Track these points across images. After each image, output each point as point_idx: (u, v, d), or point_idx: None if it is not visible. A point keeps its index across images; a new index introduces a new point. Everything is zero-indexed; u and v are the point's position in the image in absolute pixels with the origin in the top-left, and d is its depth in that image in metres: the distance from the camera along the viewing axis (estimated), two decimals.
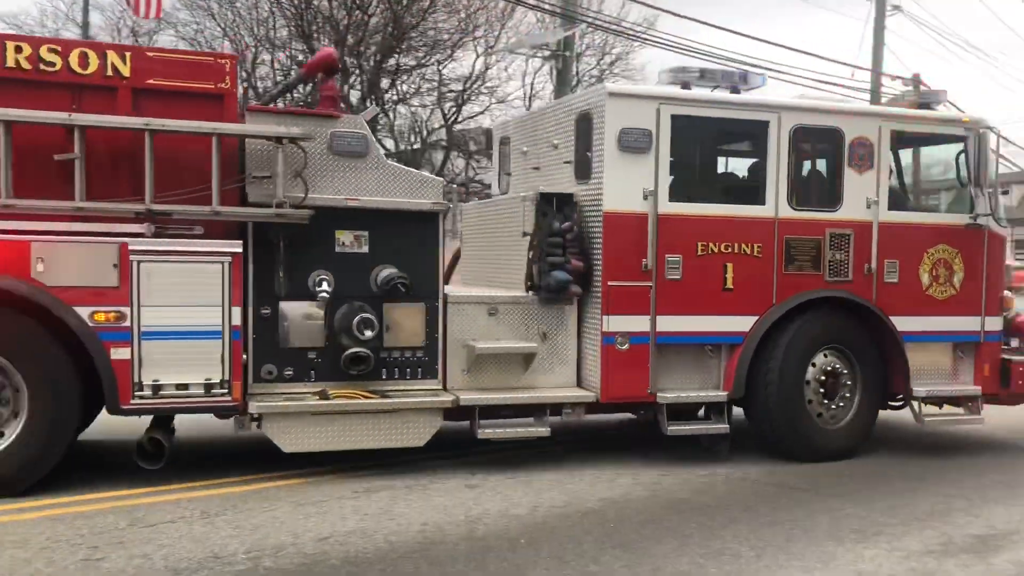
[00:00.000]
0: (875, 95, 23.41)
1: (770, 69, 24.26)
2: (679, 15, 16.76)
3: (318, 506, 5.61)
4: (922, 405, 7.50)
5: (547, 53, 17.78)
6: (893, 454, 7.75)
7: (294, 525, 5.23)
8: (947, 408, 7.76)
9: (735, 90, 7.19)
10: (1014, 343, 7.92)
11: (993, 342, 7.65)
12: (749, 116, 7.01)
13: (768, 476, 6.74)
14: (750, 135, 7.16)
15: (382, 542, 4.99)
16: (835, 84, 29.28)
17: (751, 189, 7.09)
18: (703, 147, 7.36)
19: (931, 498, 6.24)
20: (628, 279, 6.68)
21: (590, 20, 18.28)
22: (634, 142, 6.65)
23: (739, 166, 7.53)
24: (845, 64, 25.60)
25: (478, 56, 22.32)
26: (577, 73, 22.02)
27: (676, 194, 6.78)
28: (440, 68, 21.70)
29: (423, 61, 21.38)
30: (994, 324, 7.65)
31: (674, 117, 6.74)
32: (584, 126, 6.90)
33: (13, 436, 5.54)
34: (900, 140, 7.51)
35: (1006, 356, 7.70)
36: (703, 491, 6.26)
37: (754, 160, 7.21)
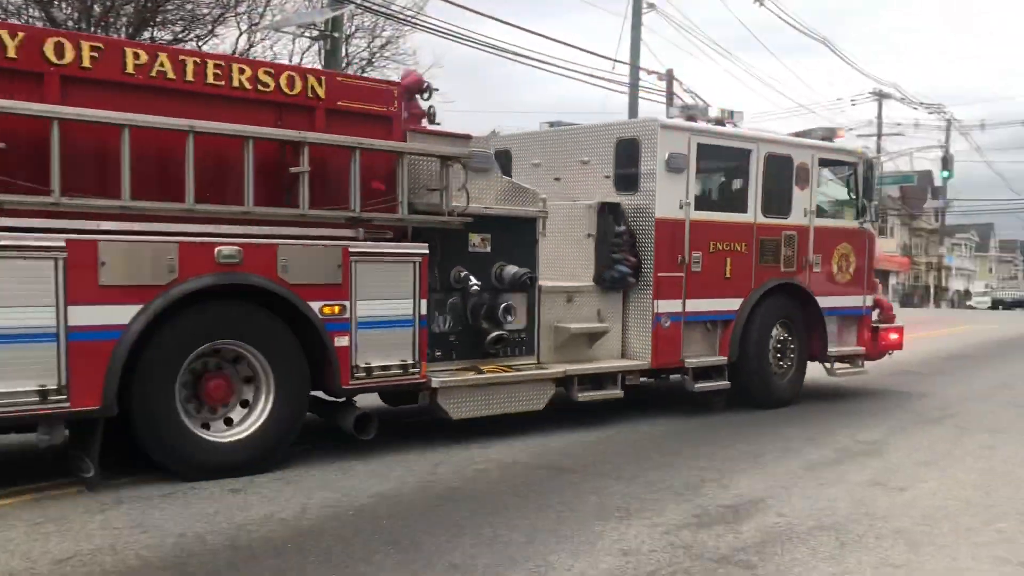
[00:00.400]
0: (634, 88, 24.71)
1: (539, 60, 24.87)
2: (448, 1, 16.76)
3: (59, 524, 5.07)
4: (834, 363, 10.14)
5: (315, 33, 17.21)
6: (653, 430, 8.20)
7: (29, 548, 4.68)
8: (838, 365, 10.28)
9: (720, 123, 9.12)
10: (875, 315, 10.58)
11: (868, 315, 10.42)
12: (740, 145, 9.12)
13: (539, 460, 6.90)
14: (741, 160, 9.16)
15: (133, 558, 4.57)
16: (598, 77, 30.47)
17: (741, 201, 9.15)
18: (713, 168, 9.31)
19: (687, 471, 6.63)
20: (671, 271, 8.53)
21: (359, 1, 17.90)
22: (676, 164, 8.43)
23: (735, 183, 9.45)
24: (607, 58, 26.88)
25: (241, 33, 21.25)
26: (347, 55, 21.53)
27: (699, 205, 8.73)
28: (200, 45, 20.43)
29: (181, 36, 20.01)
30: (869, 301, 10.41)
31: (699, 145, 8.65)
32: (628, 148, 8.57)
33: (265, 415, 6.24)
34: (822, 164, 9.98)
35: (874, 324, 10.46)
36: (477, 479, 6.28)
37: (742, 179, 9.23)
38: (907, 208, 68.43)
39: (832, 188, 11.40)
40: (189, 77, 5.96)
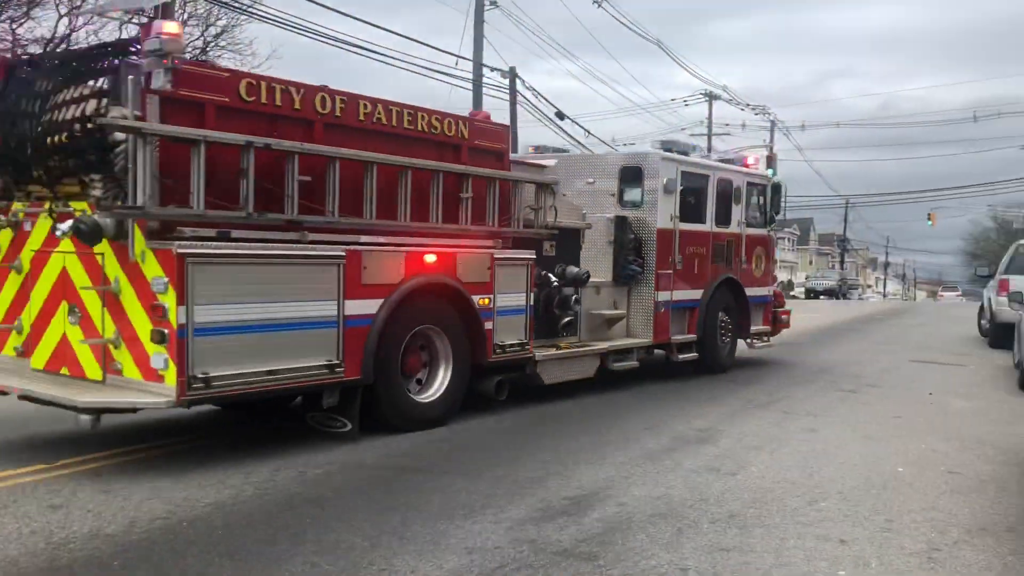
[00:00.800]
0: (478, 85, 24.82)
1: (381, 54, 24.50)
2: None
3: None
4: (752, 339, 13.15)
5: (144, 20, 16.26)
6: (500, 425, 8.25)
7: None
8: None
9: (684, 153, 11.59)
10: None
11: (771, 301, 13.47)
12: (703, 172, 11.77)
13: (384, 460, 6.79)
14: (703, 183, 11.74)
15: None
16: (443, 73, 30.47)
17: (702, 214, 11.75)
18: (688, 189, 11.47)
19: (532, 465, 6.70)
20: (665, 269, 11.02)
21: None
22: (670, 187, 11.03)
23: (698, 201, 11.78)
24: (451, 54, 26.94)
25: (61, 16, 19.82)
26: None
27: (681, 218, 11.25)
28: (14, 27, 18.90)
29: None
30: (771, 290, 13.45)
31: (682, 172, 11.28)
32: (632, 174, 11.11)
33: (445, 383, 8.09)
34: (748, 186, 12.71)
35: (773, 309, 13.54)
36: (319, 483, 6.11)
37: (702, 198, 11.73)
38: None
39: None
40: (394, 122, 7.60)
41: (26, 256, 6.99)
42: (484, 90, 26.52)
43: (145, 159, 5.88)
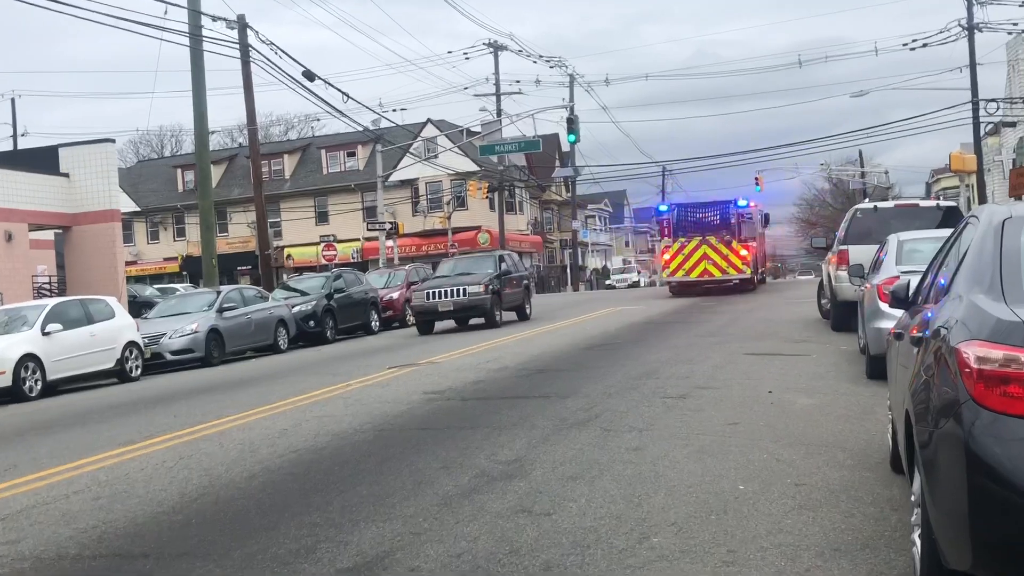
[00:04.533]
0: (195, 38, 23.96)
1: (70, 5, 23.19)
2: None
3: None
4: None
5: None
6: (250, 484, 7.96)
7: None
8: None
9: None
10: None
11: None
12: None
13: (97, 547, 6.35)
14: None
15: None
16: (149, 25, 29.12)
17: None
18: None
19: (296, 532, 6.49)
20: None
21: None
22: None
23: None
24: (161, 0, 25.80)
25: None
26: None
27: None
28: None
29: None
30: None
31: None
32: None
33: None
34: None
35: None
36: None
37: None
38: (535, 179, 74.19)
39: None
40: None
41: None
42: (206, 46, 25.63)
43: None
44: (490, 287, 26.67)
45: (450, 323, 28.23)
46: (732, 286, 36.83)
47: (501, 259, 28.52)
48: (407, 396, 13.00)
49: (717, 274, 35.97)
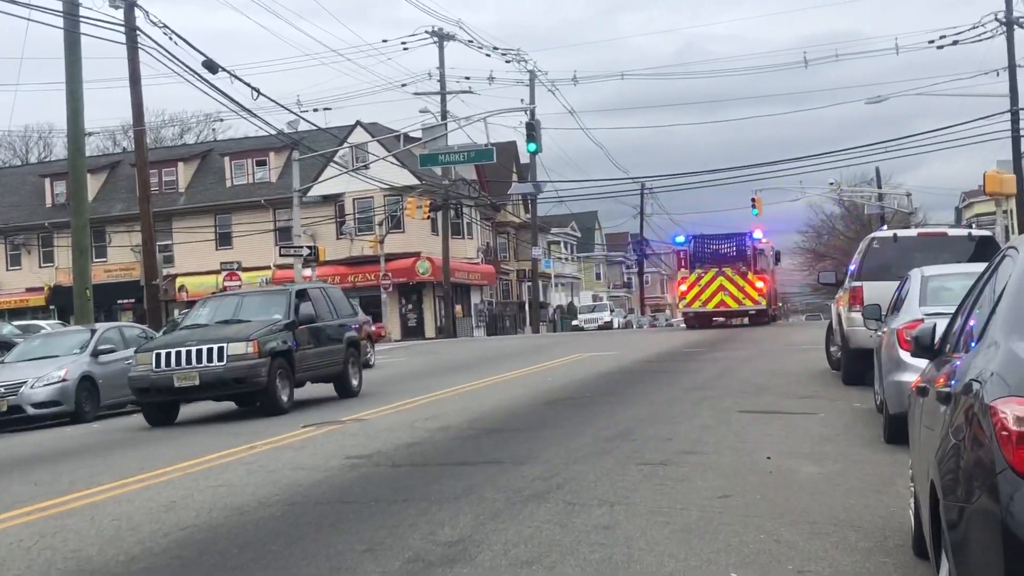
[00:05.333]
0: (71, 19, 23.92)
1: None
2: None
3: None
4: None
5: None
6: (133, 566, 7.81)
7: None
8: None
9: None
10: None
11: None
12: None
13: None
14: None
15: None
16: (18, 3, 29.13)
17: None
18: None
19: None
20: None
21: None
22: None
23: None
24: None
25: None
26: None
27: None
28: None
29: None
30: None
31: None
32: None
33: None
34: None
35: None
36: None
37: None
38: (487, 196, 74.39)
39: None
40: None
41: None
42: (85, 28, 25.50)
43: None
44: (269, 346, 19.68)
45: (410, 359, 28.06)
46: (748, 318, 46.19)
47: (300, 296, 21.71)
48: (325, 461, 12.89)
49: (733, 305, 44.80)
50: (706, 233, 49.61)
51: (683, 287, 46.09)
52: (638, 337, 46.29)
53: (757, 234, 47.77)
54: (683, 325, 47.42)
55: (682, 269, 47.29)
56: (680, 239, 49.88)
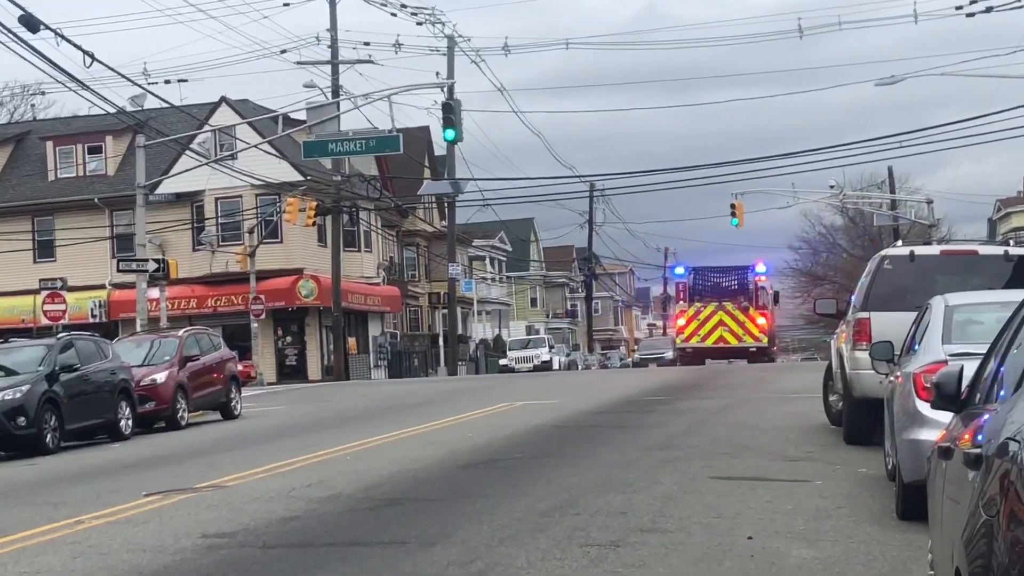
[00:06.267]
0: None
1: None
2: None
3: None
4: None
5: None
6: None
7: None
8: None
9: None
10: None
11: None
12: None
13: None
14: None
15: None
16: None
17: None
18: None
19: None
20: None
21: None
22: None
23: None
24: None
25: None
26: None
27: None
28: None
29: None
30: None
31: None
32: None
33: None
34: None
35: None
36: None
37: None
38: (391, 197, 74.20)
39: None
40: None
41: None
42: None
43: None
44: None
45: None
46: (748, 355, 53.75)
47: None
48: (175, 542, 12.76)
49: (733, 341, 54.03)
50: (707, 265, 60.34)
51: (681, 320, 56.08)
52: (585, 381, 46.43)
53: (760, 268, 58.27)
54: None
55: (680, 302, 57.83)
56: (680, 270, 60.36)
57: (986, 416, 5.78)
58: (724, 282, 56.11)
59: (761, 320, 54.61)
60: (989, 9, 48.84)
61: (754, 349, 53.92)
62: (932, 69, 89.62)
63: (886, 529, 12.10)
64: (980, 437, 5.55)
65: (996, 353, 6.65)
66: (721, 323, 53.81)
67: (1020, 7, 48.70)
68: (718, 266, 59.99)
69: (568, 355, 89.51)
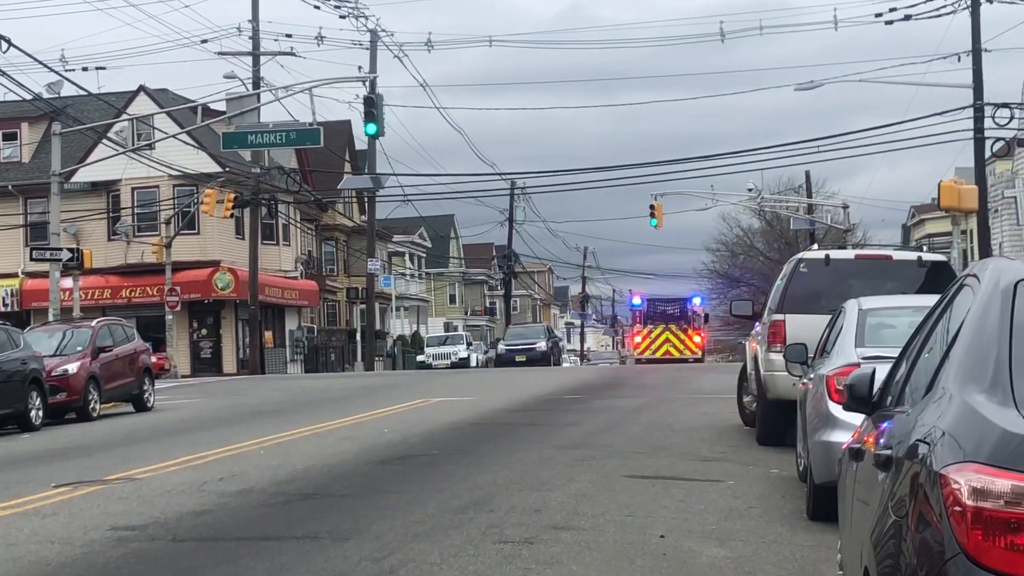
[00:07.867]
0: None
1: None
2: None
3: None
4: None
5: None
6: None
7: None
8: None
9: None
10: None
11: None
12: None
13: None
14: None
15: None
16: None
17: None
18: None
19: None
20: None
21: None
22: None
23: None
24: None
25: None
26: None
27: None
28: None
29: None
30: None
31: None
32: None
33: None
34: None
35: None
36: None
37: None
38: (311, 191, 73.96)
39: None
40: None
41: None
42: None
43: None
44: None
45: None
46: (688, 363, 65.88)
47: None
48: (84, 533, 12.65)
49: (676, 353, 69.98)
50: (657, 296, 78.55)
51: (637, 338, 73.88)
52: (503, 378, 46.42)
53: (696, 300, 77.85)
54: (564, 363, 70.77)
55: (636, 324, 76.03)
56: (636, 301, 77.55)
57: (897, 419, 5.81)
58: (669, 309, 73.47)
59: (697, 339, 72.80)
60: (908, 17, 49.32)
61: (692, 359, 69.42)
62: (851, 76, 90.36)
63: (796, 530, 12.21)
64: (890, 439, 5.58)
65: (908, 357, 6.69)
66: (668, 340, 70.98)
67: (938, 16, 49.23)
68: (665, 297, 78.38)
69: (486, 353, 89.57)
